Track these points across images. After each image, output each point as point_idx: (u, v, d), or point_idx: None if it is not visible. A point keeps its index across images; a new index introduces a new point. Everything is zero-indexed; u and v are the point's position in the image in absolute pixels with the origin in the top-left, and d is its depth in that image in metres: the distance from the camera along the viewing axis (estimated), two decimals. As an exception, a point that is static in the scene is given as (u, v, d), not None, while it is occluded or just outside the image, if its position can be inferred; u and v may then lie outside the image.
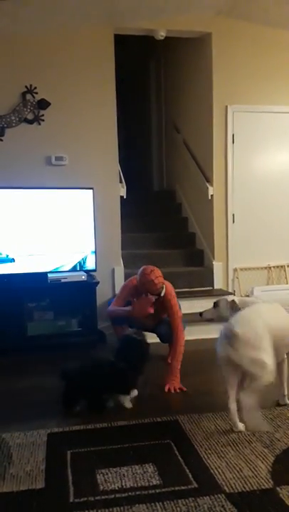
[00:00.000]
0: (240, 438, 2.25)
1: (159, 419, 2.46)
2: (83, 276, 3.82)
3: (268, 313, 2.41)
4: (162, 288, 3.10)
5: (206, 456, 2.09)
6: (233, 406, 2.31)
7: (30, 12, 3.60)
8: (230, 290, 4.60)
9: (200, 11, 4.21)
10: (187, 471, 1.98)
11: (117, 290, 4.34)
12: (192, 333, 3.63)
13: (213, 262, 4.58)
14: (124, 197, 4.39)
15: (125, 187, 4.37)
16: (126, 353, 2.64)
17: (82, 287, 3.80)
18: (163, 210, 5.56)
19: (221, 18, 4.33)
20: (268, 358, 2.20)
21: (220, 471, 1.97)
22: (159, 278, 3.07)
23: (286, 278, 4.66)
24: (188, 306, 3.79)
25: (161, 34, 4.30)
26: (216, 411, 2.53)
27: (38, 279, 3.76)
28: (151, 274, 3.06)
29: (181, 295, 4.10)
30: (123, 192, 4.37)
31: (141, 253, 4.80)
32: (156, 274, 3.07)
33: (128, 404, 2.63)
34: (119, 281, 4.38)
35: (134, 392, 2.67)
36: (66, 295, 3.81)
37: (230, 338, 2.21)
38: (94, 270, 3.98)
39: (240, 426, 2.30)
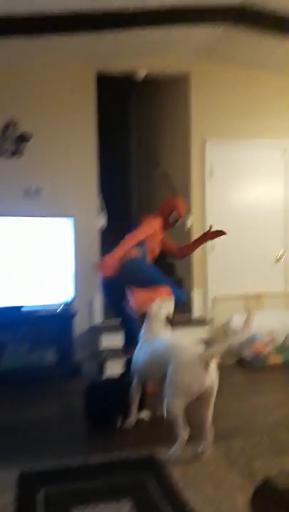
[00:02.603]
0: (219, 470, 2.19)
1: (136, 453, 2.38)
2: (60, 307, 3.76)
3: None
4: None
5: (184, 491, 2.02)
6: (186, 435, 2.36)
7: (14, 50, 3.72)
8: (209, 318, 4.60)
9: (179, 52, 4.41)
10: (165, 507, 1.90)
11: (95, 321, 4.32)
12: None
13: (193, 290, 4.59)
14: (105, 225, 4.41)
15: (106, 215, 4.41)
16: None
17: (58, 318, 3.73)
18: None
19: (200, 60, 4.53)
20: None
21: (199, 506, 1.90)
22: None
23: (263, 306, 4.70)
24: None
25: (141, 74, 4.48)
26: (193, 442, 2.45)
27: (12, 311, 3.68)
28: (176, 198, 3.55)
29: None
30: (103, 221, 4.40)
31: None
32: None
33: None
34: (98, 312, 4.34)
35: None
36: (41, 326, 3.72)
37: None
38: (71, 300, 3.93)
39: None
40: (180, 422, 2.31)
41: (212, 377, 2.32)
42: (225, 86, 4.64)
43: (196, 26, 3.82)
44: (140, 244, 3.27)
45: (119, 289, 3.10)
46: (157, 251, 3.51)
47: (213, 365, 2.34)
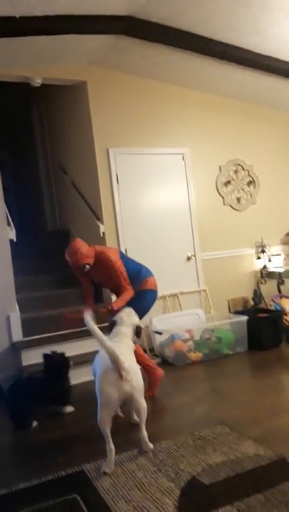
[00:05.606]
0: (146, 476, 2.24)
1: (64, 473, 2.35)
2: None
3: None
4: (84, 266, 3.30)
5: (113, 504, 2.03)
6: (112, 446, 2.34)
7: None
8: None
9: (73, 60, 4.39)
10: (95, 524, 1.90)
11: (14, 338, 4.16)
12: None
13: (112, 297, 4.61)
14: (14, 240, 4.25)
15: (14, 230, 4.24)
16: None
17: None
18: (59, 249, 5.44)
19: (94, 68, 4.57)
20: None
21: (128, 516, 1.93)
22: (79, 257, 3.25)
23: (180, 305, 4.89)
24: (92, 345, 3.73)
25: (37, 81, 4.38)
26: (121, 452, 2.48)
27: None
28: (72, 256, 3.27)
29: (83, 333, 4.05)
30: (12, 235, 4.23)
31: (39, 295, 4.65)
32: (75, 258, 3.25)
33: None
34: (16, 328, 4.18)
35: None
36: None
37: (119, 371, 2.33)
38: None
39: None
40: (107, 433, 2.33)
41: (132, 383, 2.36)
42: (121, 95, 4.72)
43: (87, 35, 3.84)
44: None
45: None
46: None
47: (133, 370, 2.39)
